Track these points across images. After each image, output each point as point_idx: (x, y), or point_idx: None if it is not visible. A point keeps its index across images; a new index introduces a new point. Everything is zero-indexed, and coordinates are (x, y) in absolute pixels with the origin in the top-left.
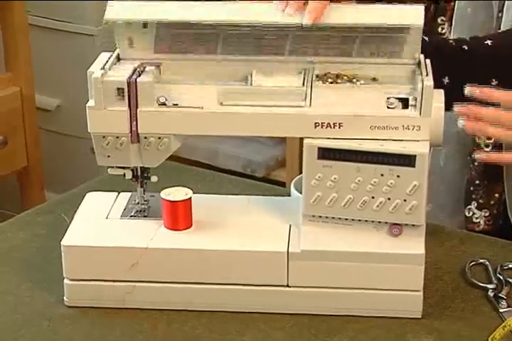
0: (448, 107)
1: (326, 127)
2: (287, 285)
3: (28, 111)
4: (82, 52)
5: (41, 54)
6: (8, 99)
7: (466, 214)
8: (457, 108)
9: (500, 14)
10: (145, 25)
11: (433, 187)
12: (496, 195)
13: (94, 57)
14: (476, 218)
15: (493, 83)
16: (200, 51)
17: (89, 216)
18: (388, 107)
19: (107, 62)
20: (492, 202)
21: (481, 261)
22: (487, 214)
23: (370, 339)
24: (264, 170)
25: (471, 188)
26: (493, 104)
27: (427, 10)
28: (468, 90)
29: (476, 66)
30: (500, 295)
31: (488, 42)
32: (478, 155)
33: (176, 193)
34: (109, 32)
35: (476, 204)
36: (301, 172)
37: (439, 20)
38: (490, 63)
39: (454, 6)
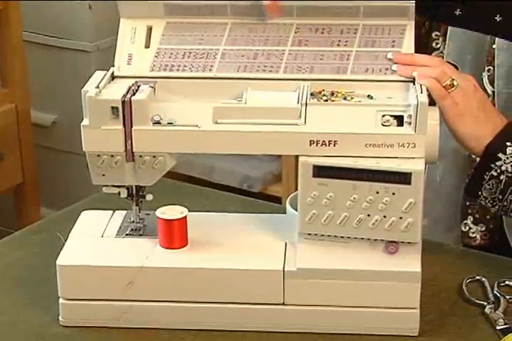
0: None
1: (321, 145)
2: (283, 304)
3: (23, 127)
4: (77, 68)
5: (37, 70)
6: (3, 115)
7: (463, 228)
8: (393, 54)
9: None
10: (147, 45)
11: (429, 202)
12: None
13: (89, 73)
14: (473, 233)
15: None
16: (196, 68)
17: (84, 235)
18: (383, 125)
19: (102, 80)
20: (488, 217)
21: (478, 277)
22: (483, 228)
23: None
24: (261, 185)
25: (467, 203)
26: None
27: (421, 25)
28: (390, 55)
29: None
30: (497, 312)
31: None
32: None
33: (172, 211)
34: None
35: (472, 219)
36: (297, 188)
37: (433, 35)
38: None
39: None
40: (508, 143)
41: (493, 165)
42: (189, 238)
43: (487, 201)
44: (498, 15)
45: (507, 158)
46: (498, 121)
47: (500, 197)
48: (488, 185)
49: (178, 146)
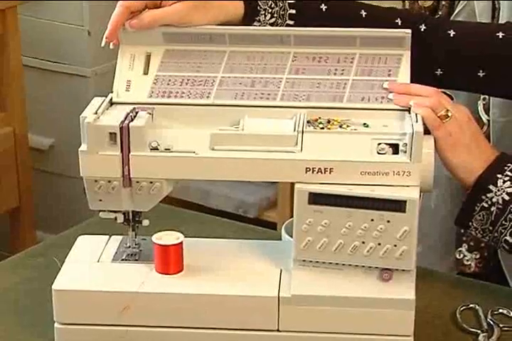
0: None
1: (317, 172)
2: (278, 330)
3: (21, 151)
4: (75, 92)
5: (35, 94)
6: (1, 138)
7: (457, 256)
8: (388, 84)
9: None
10: (145, 72)
11: (424, 229)
12: None
13: (87, 98)
14: (467, 260)
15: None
16: (194, 95)
17: (80, 259)
18: (379, 153)
19: (100, 106)
20: (483, 245)
21: (472, 305)
22: (478, 256)
23: None
24: (256, 210)
25: (462, 230)
26: None
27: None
28: (386, 85)
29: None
30: (490, 340)
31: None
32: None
33: (168, 237)
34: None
35: (466, 247)
36: (292, 213)
37: None
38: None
39: None
40: (499, 175)
41: (484, 197)
42: (185, 263)
43: (477, 232)
44: (481, 71)
45: (498, 190)
46: (489, 152)
47: (491, 228)
48: (479, 216)
49: (175, 172)
